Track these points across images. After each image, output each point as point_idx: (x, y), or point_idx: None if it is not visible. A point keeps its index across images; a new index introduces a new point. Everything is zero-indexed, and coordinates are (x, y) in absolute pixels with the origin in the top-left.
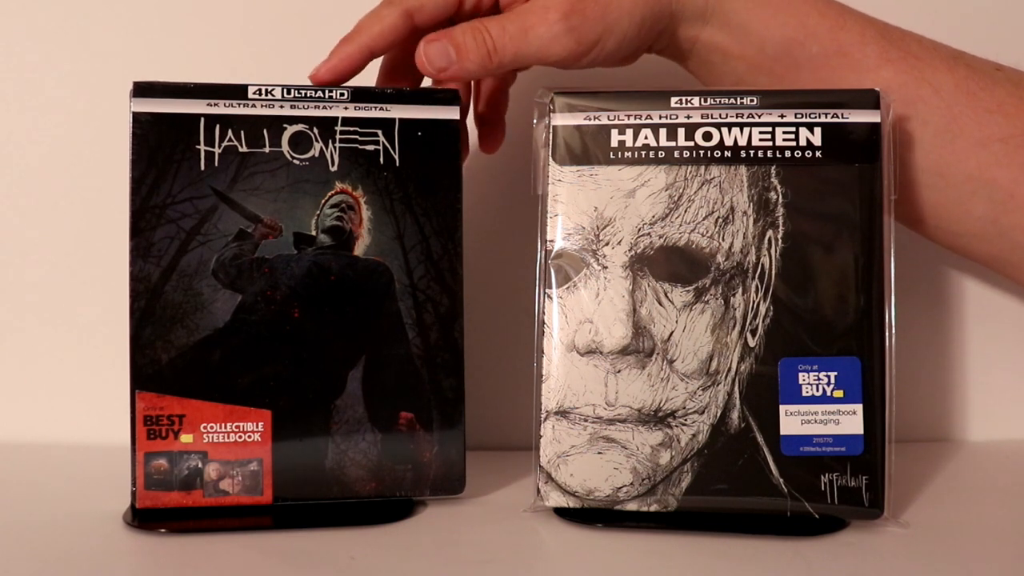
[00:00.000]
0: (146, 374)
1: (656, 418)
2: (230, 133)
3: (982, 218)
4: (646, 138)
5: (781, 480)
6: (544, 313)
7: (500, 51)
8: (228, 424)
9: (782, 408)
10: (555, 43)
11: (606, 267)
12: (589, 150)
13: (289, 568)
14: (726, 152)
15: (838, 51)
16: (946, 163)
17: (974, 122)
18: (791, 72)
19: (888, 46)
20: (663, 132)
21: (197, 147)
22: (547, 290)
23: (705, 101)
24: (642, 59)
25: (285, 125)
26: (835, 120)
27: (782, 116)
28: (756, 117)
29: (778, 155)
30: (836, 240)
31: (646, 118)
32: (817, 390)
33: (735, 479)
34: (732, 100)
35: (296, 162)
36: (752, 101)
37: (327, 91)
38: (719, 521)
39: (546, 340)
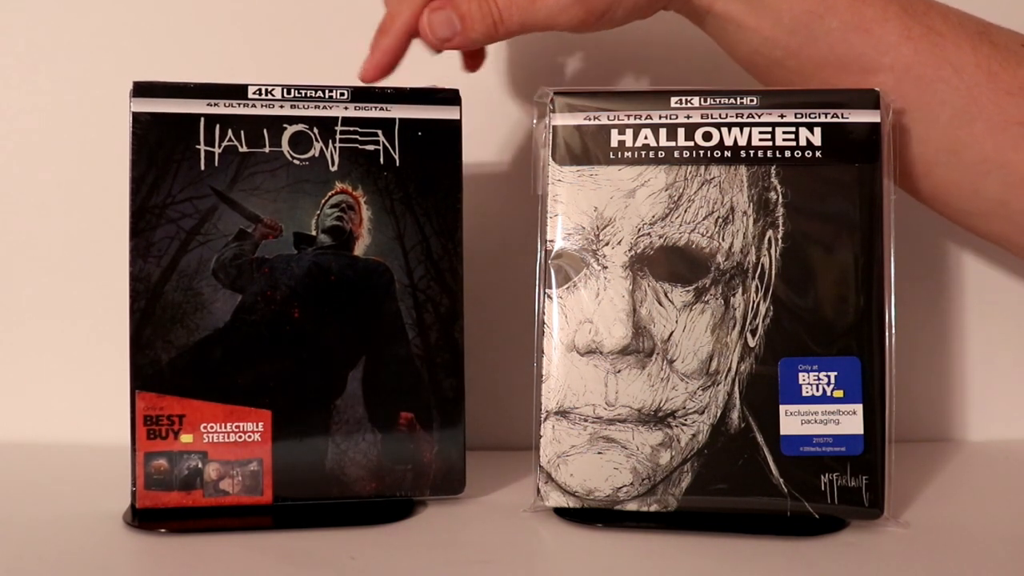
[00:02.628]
0: (146, 374)
1: (656, 418)
2: (230, 133)
3: (993, 199)
4: (646, 138)
5: (781, 480)
6: (544, 313)
7: (506, 20)
8: (228, 424)
9: (782, 408)
10: (563, 13)
11: (606, 267)
12: (589, 150)
13: (289, 568)
14: (726, 152)
15: (858, 26)
16: (962, 144)
17: (993, 104)
18: (807, 46)
19: (910, 22)
20: (663, 132)
21: (197, 147)
22: (547, 290)
23: (705, 101)
24: (641, 58)
25: (285, 125)
26: (835, 120)
27: (782, 116)
28: (756, 117)
29: (778, 155)
30: (836, 240)
31: (646, 118)
32: (817, 390)
33: (735, 479)
34: (732, 100)
35: (296, 162)
36: (752, 101)
37: (327, 91)
38: (719, 521)
39: (546, 340)
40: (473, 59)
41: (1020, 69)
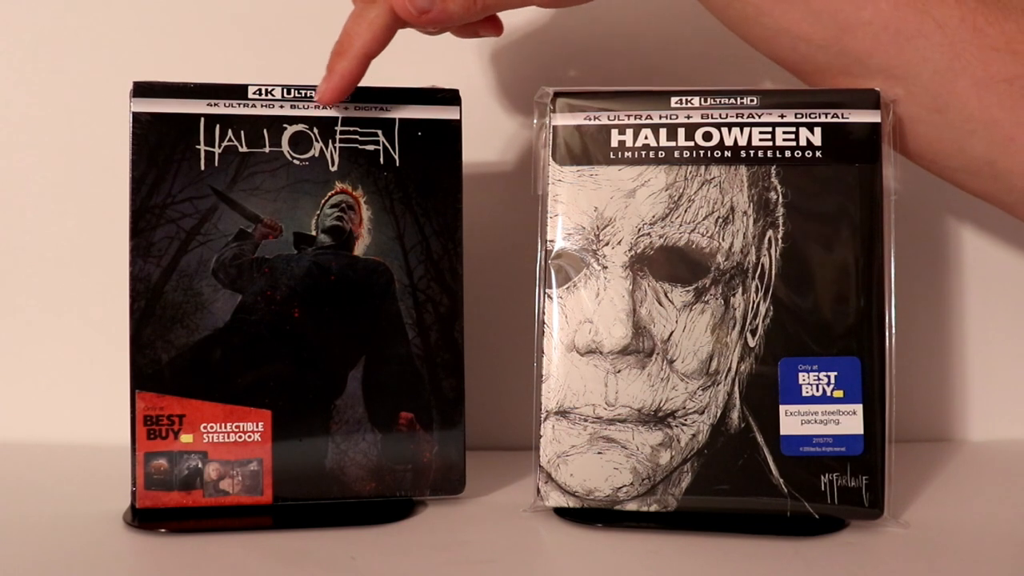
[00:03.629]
0: (146, 374)
1: (656, 418)
2: (230, 133)
3: (979, 158)
4: (646, 138)
5: (781, 480)
6: (544, 313)
7: None
8: (228, 424)
9: (782, 408)
10: None
11: (606, 267)
12: (589, 150)
13: (289, 568)
14: (726, 152)
15: None
16: (945, 102)
17: (978, 60)
18: (781, 5)
19: None
20: (663, 132)
21: (197, 147)
22: (547, 290)
23: (705, 101)
24: (643, 57)
25: (285, 125)
26: (835, 120)
27: (782, 116)
28: (756, 117)
29: (778, 155)
30: (836, 240)
31: (646, 118)
32: (817, 390)
33: (735, 479)
34: (732, 100)
35: (296, 162)
36: (752, 101)
37: None
38: (719, 521)
39: (546, 340)
40: (493, 26)
41: (1007, 23)
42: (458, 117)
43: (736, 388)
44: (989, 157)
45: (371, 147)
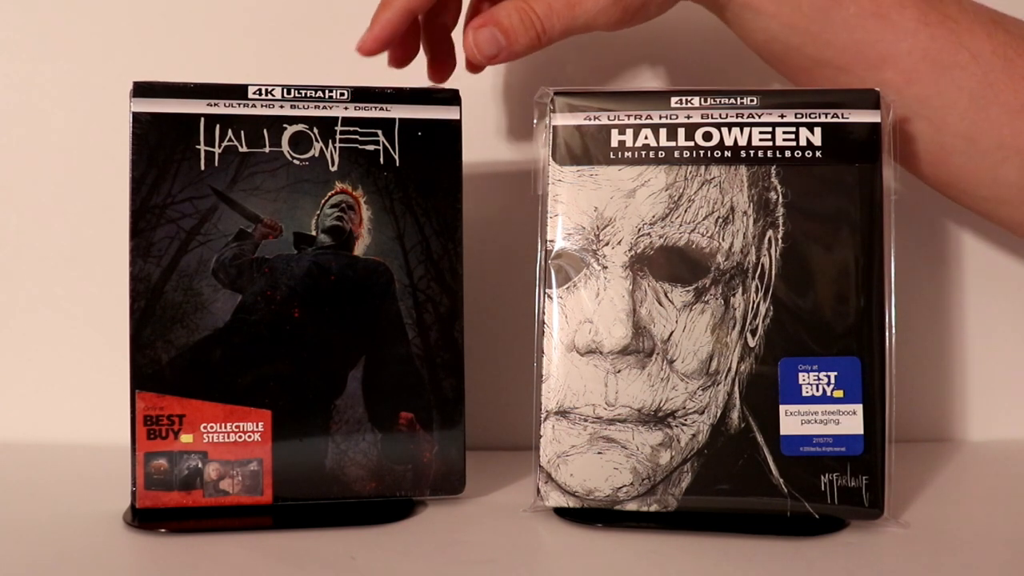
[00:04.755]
0: (146, 374)
1: (656, 418)
2: (230, 133)
3: (1012, 185)
4: (646, 138)
5: (781, 480)
6: (544, 313)
7: (548, 30)
8: (228, 424)
9: (782, 408)
10: (602, 14)
11: (606, 267)
12: (589, 150)
13: (289, 568)
14: (726, 152)
15: (875, 13)
16: (979, 130)
17: (1010, 89)
18: (825, 32)
19: (927, 9)
20: (663, 132)
21: (197, 147)
22: (547, 290)
23: (705, 101)
24: (643, 58)
25: (285, 125)
26: (835, 120)
27: (782, 116)
28: (756, 117)
29: (778, 155)
30: (836, 240)
31: (646, 118)
32: (817, 390)
33: (735, 479)
34: (732, 100)
35: (296, 162)
36: (752, 101)
37: (327, 91)
38: (719, 521)
39: (546, 340)
40: (442, 68)
41: None
42: (458, 117)
43: (736, 388)
44: (1021, 184)
45: (371, 147)
